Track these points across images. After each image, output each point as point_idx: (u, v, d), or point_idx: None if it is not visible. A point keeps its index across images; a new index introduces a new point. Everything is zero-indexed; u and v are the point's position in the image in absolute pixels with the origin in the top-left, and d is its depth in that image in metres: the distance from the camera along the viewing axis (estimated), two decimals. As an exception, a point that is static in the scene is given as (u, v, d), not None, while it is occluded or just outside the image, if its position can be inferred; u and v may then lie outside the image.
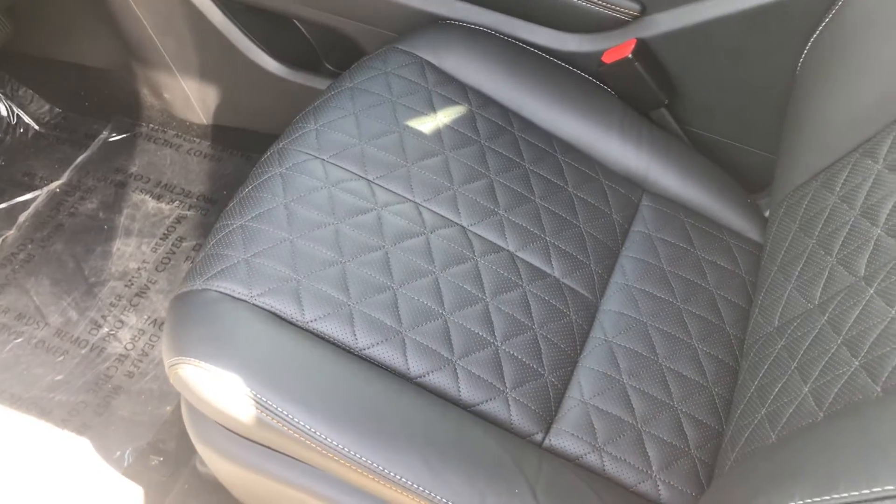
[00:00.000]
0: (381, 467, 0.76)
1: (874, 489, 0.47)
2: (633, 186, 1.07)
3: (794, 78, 1.01)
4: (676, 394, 0.91)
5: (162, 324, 1.31)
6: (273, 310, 0.85)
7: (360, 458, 0.76)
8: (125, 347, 1.28)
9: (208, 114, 1.53)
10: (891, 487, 0.47)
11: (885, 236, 0.78)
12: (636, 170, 1.08)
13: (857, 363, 0.71)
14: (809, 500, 0.51)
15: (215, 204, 1.45)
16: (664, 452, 0.87)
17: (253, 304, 0.85)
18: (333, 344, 0.84)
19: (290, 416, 0.77)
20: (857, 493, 0.48)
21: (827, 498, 0.50)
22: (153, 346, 1.28)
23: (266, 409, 0.77)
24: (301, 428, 0.76)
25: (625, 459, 0.86)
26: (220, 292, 0.85)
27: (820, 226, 0.88)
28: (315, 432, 0.76)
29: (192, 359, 0.79)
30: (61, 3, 1.44)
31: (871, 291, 0.75)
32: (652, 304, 0.97)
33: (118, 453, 1.17)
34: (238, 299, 0.85)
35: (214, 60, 1.41)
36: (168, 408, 1.21)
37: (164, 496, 1.13)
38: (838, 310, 0.79)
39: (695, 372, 0.93)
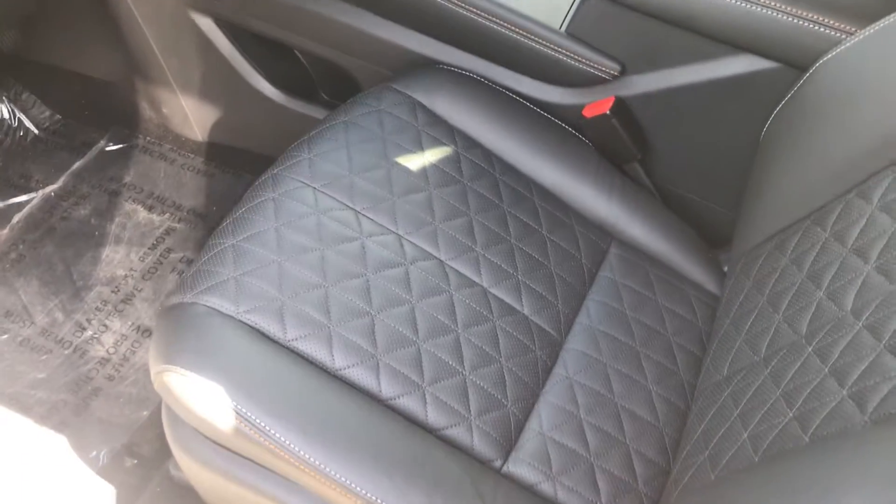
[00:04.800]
0: (348, 481, 0.82)
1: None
2: (603, 234, 1.14)
3: (758, 145, 1.08)
4: (629, 432, 0.97)
5: (145, 331, 1.35)
6: (257, 327, 0.90)
7: (330, 472, 0.82)
8: (107, 351, 1.32)
9: (204, 131, 1.58)
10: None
11: (826, 299, 0.85)
12: (606, 218, 1.15)
13: (791, 414, 0.78)
14: None
15: (204, 219, 1.51)
16: (613, 486, 0.93)
17: (238, 321, 0.90)
18: (311, 363, 0.90)
19: (266, 427, 0.82)
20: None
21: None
22: (135, 351, 1.33)
23: (244, 419, 0.82)
24: (276, 440, 0.82)
25: (576, 490, 0.92)
26: (209, 307, 0.91)
27: (770, 285, 0.96)
28: (289, 444, 0.82)
29: (179, 368, 0.85)
30: (70, 15, 1.49)
31: (810, 349, 0.82)
32: (613, 346, 1.03)
33: (94, 453, 1.21)
34: (225, 315, 0.90)
35: (215, 81, 1.47)
36: (145, 412, 1.26)
37: (135, 497, 1.17)
38: (780, 364, 0.85)
39: (648, 412, 0.99)
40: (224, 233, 0.99)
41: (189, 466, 0.96)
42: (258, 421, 0.82)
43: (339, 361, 0.91)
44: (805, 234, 0.94)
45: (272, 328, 0.90)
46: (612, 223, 1.15)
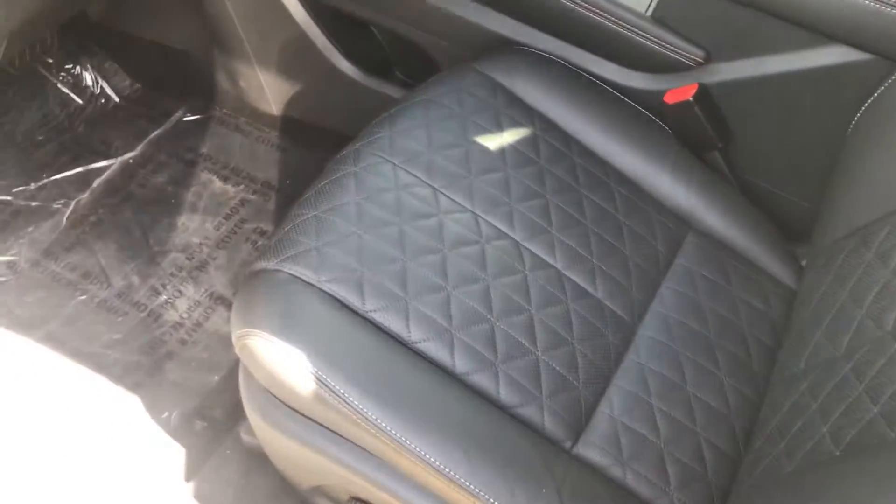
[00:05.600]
0: (423, 452, 0.83)
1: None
2: (680, 222, 1.13)
3: (845, 138, 1.06)
4: (700, 420, 0.97)
5: (218, 298, 1.38)
6: (337, 296, 0.92)
7: (405, 442, 0.83)
8: (181, 316, 1.36)
9: (279, 105, 1.61)
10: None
11: (915, 297, 0.83)
12: (684, 206, 1.14)
13: (875, 410, 0.76)
14: None
15: (278, 191, 1.53)
16: (683, 473, 0.92)
17: (320, 289, 0.92)
18: (388, 334, 0.91)
19: (345, 394, 0.83)
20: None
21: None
22: (207, 317, 1.36)
23: (324, 385, 0.84)
24: (354, 407, 0.83)
25: (645, 475, 0.91)
26: (292, 274, 0.92)
27: (854, 280, 0.94)
28: (367, 412, 0.83)
29: (262, 331, 0.86)
30: (154, -15, 1.52)
31: (896, 346, 0.81)
32: (686, 334, 1.03)
33: (166, 414, 1.24)
34: (307, 283, 0.92)
35: (293, 56, 1.49)
36: (216, 377, 1.29)
37: (205, 458, 1.20)
38: (863, 360, 0.84)
39: (719, 402, 0.99)
40: (307, 203, 1.01)
41: (263, 430, 0.98)
42: (337, 387, 0.84)
43: (414, 334, 0.92)
44: (893, 229, 0.92)
45: (352, 298, 0.92)
46: (690, 212, 1.14)
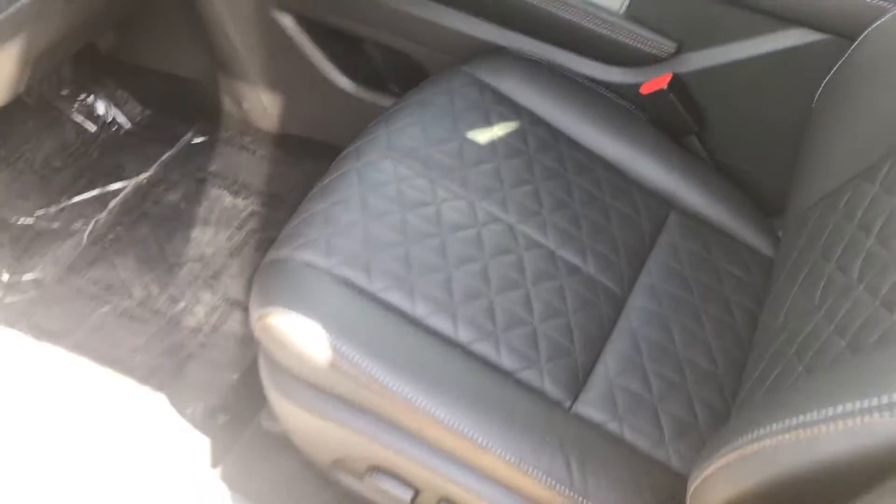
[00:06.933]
0: (431, 409, 0.90)
1: (835, 408, 0.61)
2: (663, 202, 1.21)
3: (810, 113, 1.14)
4: (690, 378, 1.04)
5: (233, 303, 1.46)
6: (347, 277, 0.99)
7: (413, 400, 0.90)
8: (199, 321, 1.43)
9: (283, 124, 1.69)
10: (840, 407, 0.60)
11: (876, 244, 0.91)
12: (666, 187, 1.22)
13: (843, 343, 0.84)
14: (792, 420, 0.64)
15: (285, 203, 1.61)
16: (676, 426, 0.99)
17: (330, 272, 0.99)
18: (396, 309, 0.99)
19: (358, 360, 0.91)
20: (817, 414, 0.62)
21: (800, 417, 0.63)
22: (224, 321, 1.43)
23: (338, 352, 0.91)
24: (366, 371, 0.91)
25: (641, 429, 0.98)
26: (303, 261, 1.00)
27: (823, 240, 1.01)
28: (377, 375, 0.91)
29: (280, 308, 0.94)
30: (159, 18, 1.62)
31: (861, 288, 0.88)
32: (673, 302, 1.10)
33: (189, 410, 1.31)
34: (318, 267, 1.00)
35: (293, 76, 1.58)
36: (235, 375, 1.36)
37: (229, 446, 1.27)
38: (833, 305, 0.91)
39: (707, 362, 1.06)
40: (314, 199, 1.09)
41: (283, 408, 1.05)
42: (350, 353, 0.91)
43: (419, 310, 0.99)
44: (856, 190, 1.00)
45: (360, 279, 0.99)
46: (672, 192, 1.22)
